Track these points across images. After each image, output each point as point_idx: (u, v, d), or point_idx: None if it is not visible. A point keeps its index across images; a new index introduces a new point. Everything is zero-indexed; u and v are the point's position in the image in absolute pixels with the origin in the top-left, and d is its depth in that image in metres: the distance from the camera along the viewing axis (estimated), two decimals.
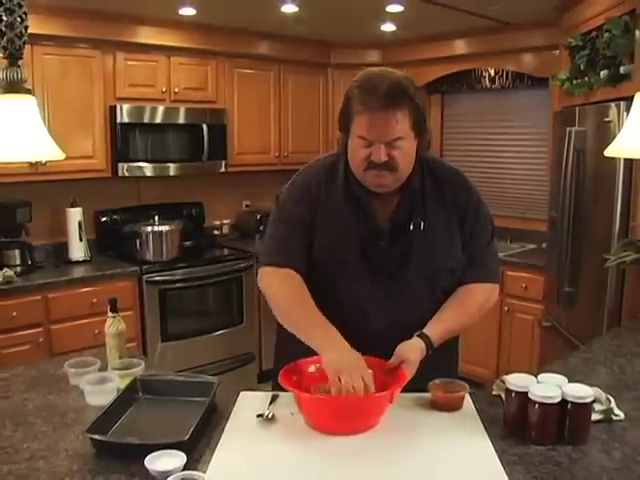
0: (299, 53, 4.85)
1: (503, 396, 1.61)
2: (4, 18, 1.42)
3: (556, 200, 3.54)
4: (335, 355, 1.55)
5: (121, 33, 3.93)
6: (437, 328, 1.68)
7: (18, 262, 3.72)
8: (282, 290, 1.75)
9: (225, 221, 5.09)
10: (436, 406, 1.63)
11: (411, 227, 1.73)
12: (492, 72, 4.77)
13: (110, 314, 1.94)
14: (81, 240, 4.00)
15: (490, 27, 4.27)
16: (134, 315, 3.85)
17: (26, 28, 1.47)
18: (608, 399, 1.61)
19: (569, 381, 1.54)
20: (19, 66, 1.49)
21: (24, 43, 1.47)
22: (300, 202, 1.78)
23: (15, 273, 3.54)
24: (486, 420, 1.57)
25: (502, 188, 4.84)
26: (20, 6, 1.43)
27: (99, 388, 1.72)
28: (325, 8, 3.88)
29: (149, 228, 4.09)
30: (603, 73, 3.10)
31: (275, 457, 1.41)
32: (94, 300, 3.63)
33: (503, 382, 1.63)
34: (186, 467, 1.32)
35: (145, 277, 3.92)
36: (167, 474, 1.28)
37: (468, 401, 1.66)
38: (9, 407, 1.71)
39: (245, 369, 4.42)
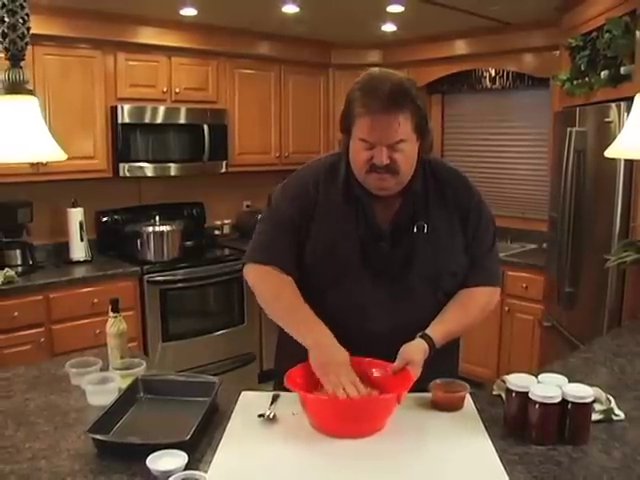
0: (300, 53, 4.85)
1: (503, 396, 1.61)
2: (6, 19, 1.42)
3: (556, 200, 3.54)
4: (320, 352, 1.57)
5: (122, 33, 3.94)
6: (439, 329, 1.68)
7: (19, 262, 3.73)
8: (267, 289, 1.76)
9: (226, 221, 5.09)
10: (437, 406, 1.63)
11: (414, 230, 1.73)
12: (492, 72, 4.77)
13: (111, 314, 1.95)
14: (82, 240, 4.01)
15: (490, 27, 4.28)
16: (135, 315, 3.85)
17: (28, 29, 1.47)
18: (608, 399, 1.61)
19: (569, 381, 1.54)
20: (21, 67, 1.49)
21: (26, 44, 1.48)
22: (294, 201, 1.78)
23: (16, 273, 3.54)
24: (487, 420, 1.57)
25: (502, 188, 4.85)
26: (22, 7, 1.43)
27: (100, 388, 1.72)
28: (326, 9, 3.88)
29: (150, 228, 4.10)
30: (603, 73, 3.11)
31: (276, 457, 1.41)
32: (95, 300, 3.64)
33: (504, 382, 1.63)
34: (187, 467, 1.32)
35: (146, 277, 3.92)
36: (169, 474, 1.28)
37: (469, 401, 1.67)
38: (11, 407, 1.72)
39: (246, 369, 4.42)
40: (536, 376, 1.56)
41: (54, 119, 3.57)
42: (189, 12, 3.87)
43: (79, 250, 4.01)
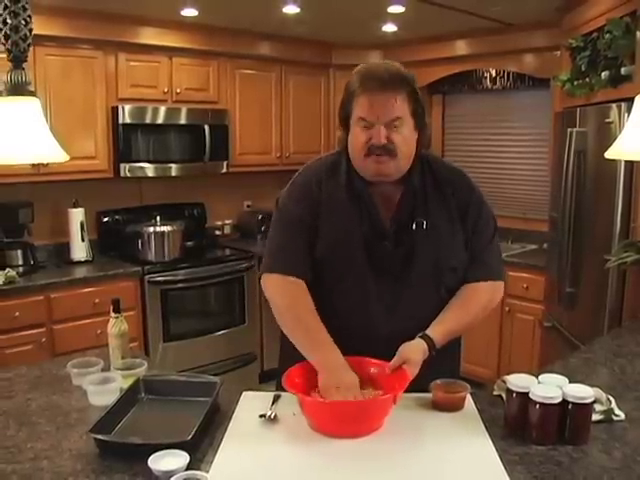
0: (300, 54, 4.86)
1: (504, 396, 1.61)
2: (9, 21, 1.43)
3: (557, 201, 3.55)
4: (331, 377, 1.56)
5: (123, 34, 3.94)
6: (439, 330, 1.68)
7: (20, 262, 3.73)
8: (283, 303, 1.75)
9: (227, 221, 5.10)
10: (437, 406, 1.64)
11: (414, 226, 1.73)
12: (493, 73, 4.77)
13: (113, 314, 1.95)
14: (83, 240, 4.01)
15: (491, 28, 4.28)
16: (136, 315, 3.86)
17: (30, 31, 1.48)
18: (609, 399, 1.62)
19: (570, 381, 1.54)
20: (23, 69, 1.50)
21: (28, 46, 1.48)
22: (300, 202, 1.78)
23: (17, 273, 3.55)
24: (487, 420, 1.58)
25: (503, 188, 4.85)
26: (25, 9, 1.44)
27: (102, 388, 1.72)
28: (326, 9, 3.89)
29: (151, 228, 4.10)
30: (604, 74, 3.11)
31: (277, 457, 1.42)
32: (96, 300, 3.64)
33: (504, 382, 1.64)
34: (189, 467, 1.33)
35: (147, 277, 3.93)
36: (170, 474, 1.29)
37: (469, 401, 1.67)
38: (13, 407, 1.72)
39: (247, 369, 4.43)
40: (536, 376, 1.57)
41: (55, 119, 3.57)
42: (190, 12, 3.87)
43: (80, 250, 4.01)
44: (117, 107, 3.97)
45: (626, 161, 2.84)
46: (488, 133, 4.94)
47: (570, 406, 1.45)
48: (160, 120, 4.15)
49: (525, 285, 4.03)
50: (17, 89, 1.49)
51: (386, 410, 1.53)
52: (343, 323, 1.66)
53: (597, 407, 1.56)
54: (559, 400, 1.45)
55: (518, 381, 1.53)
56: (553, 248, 3.74)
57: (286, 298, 1.75)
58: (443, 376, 1.68)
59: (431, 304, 1.74)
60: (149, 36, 4.07)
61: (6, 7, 1.43)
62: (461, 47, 4.66)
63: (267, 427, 1.55)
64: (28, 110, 1.52)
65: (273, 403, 1.65)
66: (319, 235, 1.75)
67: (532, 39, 4.23)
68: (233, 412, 1.63)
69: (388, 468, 1.37)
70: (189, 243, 4.35)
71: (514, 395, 1.51)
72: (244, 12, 3.88)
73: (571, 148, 3.31)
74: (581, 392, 1.46)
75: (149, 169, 4.14)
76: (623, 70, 2.94)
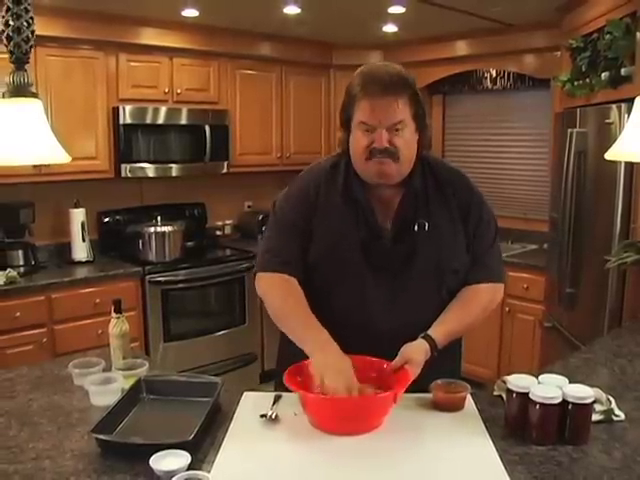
0: (301, 54, 4.86)
1: (504, 396, 1.62)
2: (11, 23, 1.43)
3: (557, 201, 3.55)
4: (321, 359, 1.57)
5: (124, 34, 3.95)
6: (441, 330, 1.69)
7: (21, 262, 3.73)
8: (276, 296, 1.77)
9: (227, 222, 5.10)
10: (438, 406, 1.64)
11: (415, 228, 1.74)
12: (493, 73, 4.78)
13: (114, 315, 1.96)
14: (84, 241, 4.02)
15: (491, 28, 4.28)
16: (137, 315, 3.86)
17: (33, 33, 1.48)
18: (609, 400, 1.62)
19: (570, 382, 1.55)
20: (25, 70, 1.50)
21: (30, 47, 1.49)
22: (296, 207, 1.80)
23: (18, 273, 3.55)
24: (487, 420, 1.58)
25: (503, 189, 4.85)
26: (27, 11, 1.44)
27: (103, 388, 1.73)
28: (327, 10, 3.89)
29: (152, 229, 4.11)
30: (604, 75, 3.11)
31: (279, 457, 1.42)
32: (97, 300, 3.65)
33: (504, 382, 1.64)
34: (190, 467, 1.33)
35: (148, 277, 3.93)
36: (172, 474, 1.29)
37: (469, 401, 1.67)
38: (14, 407, 1.72)
39: (247, 369, 4.44)
40: (537, 377, 1.57)
41: (56, 120, 3.57)
42: (190, 13, 3.88)
43: (81, 250, 4.02)
44: (118, 107, 3.97)
45: (626, 162, 2.84)
46: (488, 133, 4.95)
47: (570, 406, 1.46)
48: (161, 120, 4.15)
49: (525, 285, 4.03)
50: (19, 90, 1.50)
51: (386, 408, 1.53)
52: (342, 322, 1.66)
53: (597, 407, 1.56)
54: (559, 400, 1.45)
55: (518, 381, 1.53)
56: (553, 248, 3.74)
57: (278, 292, 1.77)
58: (443, 376, 1.68)
59: (432, 305, 1.75)
60: (150, 37, 4.07)
61: (8, 9, 1.43)
62: (461, 47, 4.67)
63: (268, 427, 1.55)
64: (30, 111, 1.53)
65: (274, 403, 1.65)
66: (313, 239, 1.76)
67: (532, 39, 4.23)
68: (234, 412, 1.64)
69: (389, 467, 1.38)
70: (190, 243, 4.36)
71: (514, 395, 1.52)
72: (245, 12, 3.89)
73: (571, 148, 3.31)
74: (581, 392, 1.47)
75: (150, 169, 4.15)
76: (623, 71, 2.94)
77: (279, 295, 1.77)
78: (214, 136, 4.36)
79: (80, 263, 3.99)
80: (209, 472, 1.33)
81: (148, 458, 1.33)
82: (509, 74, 4.69)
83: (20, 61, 1.48)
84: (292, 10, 3.82)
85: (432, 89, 5.11)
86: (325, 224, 1.76)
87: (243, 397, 1.72)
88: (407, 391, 1.55)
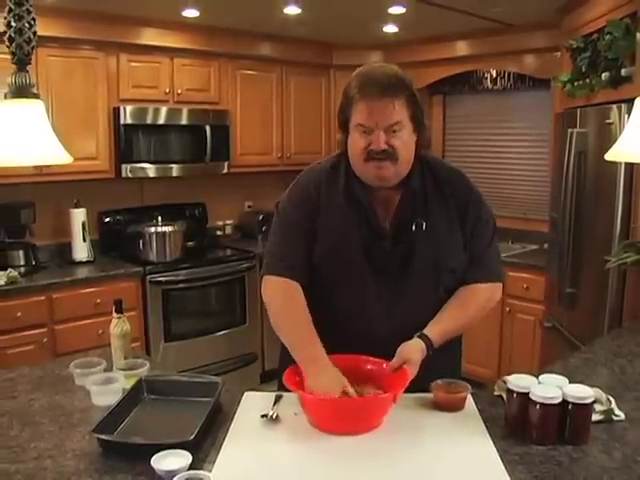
0: (301, 54, 4.86)
1: (504, 396, 1.62)
2: (13, 24, 1.44)
3: (557, 201, 3.55)
4: (314, 377, 1.57)
5: (124, 35, 3.95)
6: (437, 329, 1.69)
7: (22, 262, 3.74)
8: (278, 305, 1.77)
9: (228, 222, 5.11)
10: (438, 406, 1.65)
11: (413, 227, 1.74)
12: (494, 73, 4.78)
13: (115, 315, 1.96)
14: (84, 241, 4.02)
15: (492, 28, 4.29)
16: (137, 315, 3.87)
17: (34, 34, 1.48)
18: (608, 400, 1.62)
19: (570, 382, 1.55)
20: (27, 71, 1.51)
21: (32, 49, 1.49)
22: (299, 207, 1.80)
23: (19, 273, 3.56)
24: (487, 420, 1.59)
25: (503, 189, 4.86)
26: (29, 12, 1.44)
27: (105, 388, 1.73)
28: (327, 10, 3.89)
29: (152, 229, 4.11)
30: (604, 75, 3.11)
31: (279, 457, 1.43)
32: (98, 300, 3.65)
33: (504, 382, 1.64)
34: (191, 467, 1.34)
35: (148, 277, 3.93)
36: (173, 473, 1.29)
37: (470, 401, 1.68)
38: (16, 407, 1.73)
39: (248, 369, 4.44)
40: (537, 377, 1.58)
41: (57, 120, 3.57)
42: (191, 13, 3.88)
43: (82, 250, 4.02)
44: (118, 108, 3.98)
45: (626, 162, 2.85)
46: (489, 133, 4.95)
47: (570, 406, 1.46)
48: (161, 121, 4.15)
49: (525, 285, 4.04)
50: (21, 91, 1.50)
51: (386, 409, 1.54)
52: (343, 324, 1.66)
53: (597, 407, 1.57)
54: (559, 400, 1.45)
55: (518, 381, 1.54)
56: (553, 248, 3.75)
57: (279, 298, 1.77)
58: (444, 376, 1.69)
59: (430, 304, 1.75)
60: (150, 37, 4.08)
61: (10, 10, 1.44)
62: (462, 48, 4.67)
63: (269, 427, 1.56)
64: (32, 112, 1.53)
65: (275, 403, 1.66)
66: (317, 239, 1.77)
67: (532, 40, 4.23)
68: (235, 412, 1.64)
69: (389, 467, 1.38)
70: (190, 243, 4.37)
71: (514, 395, 1.52)
72: (245, 13, 3.89)
73: (571, 149, 3.31)
74: (581, 392, 1.47)
75: (150, 169, 4.15)
76: (623, 71, 2.95)
77: (279, 304, 1.77)
78: (214, 136, 4.37)
79: (81, 263, 4.00)
80: (210, 472, 1.34)
81: (149, 458, 1.33)
82: (509, 74, 4.69)
83: (22, 62, 1.49)
84: (292, 10, 3.83)
85: (432, 89, 5.11)
86: (328, 225, 1.77)
87: (244, 397, 1.73)
88: (407, 391, 1.55)
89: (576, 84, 3.50)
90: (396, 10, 3.84)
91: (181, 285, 4.09)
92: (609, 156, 1.99)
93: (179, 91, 4.25)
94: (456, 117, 5.20)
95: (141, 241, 4.09)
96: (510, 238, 4.63)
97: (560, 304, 3.59)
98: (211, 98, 4.44)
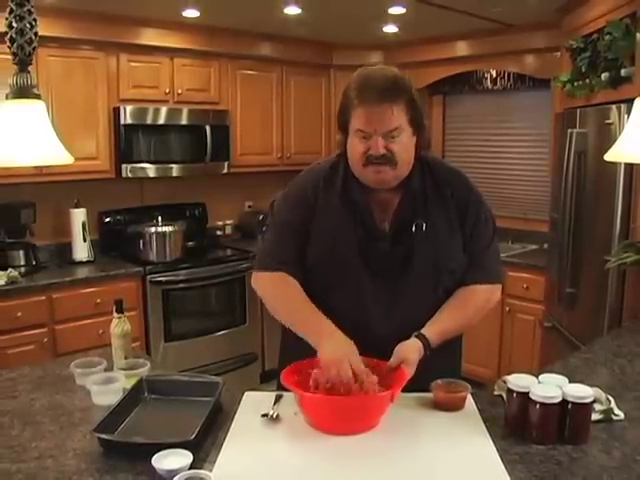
0: (301, 54, 4.87)
1: (504, 396, 1.62)
2: (14, 25, 1.44)
3: (557, 201, 3.56)
4: (328, 347, 1.58)
5: (124, 35, 3.96)
6: (434, 329, 1.69)
7: (22, 262, 3.74)
8: (274, 291, 1.79)
9: (228, 222, 5.11)
10: (438, 406, 1.65)
11: (413, 228, 1.74)
12: (494, 73, 4.79)
13: (116, 315, 1.96)
14: (85, 241, 4.02)
15: (492, 29, 4.29)
16: (137, 315, 3.87)
17: (36, 34, 1.49)
18: (608, 399, 1.63)
19: (570, 381, 1.55)
20: (29, 72, 1.51)
21: (34, 49, 1.49)
22: (294, 209, 1.81)
23: (19, 273, 3.56)
24: (487, 420, 1.59)
25: (503, 189, 4.86)
26: (30, 13, 1.45)
27: (105, 388, 1.74)
28: (327, 10, 3.90)
29: (152, 229, 4.11)
30: (604, 75, 3.12)
31: (280, 456, 1.43)
32: (98, 300, 3.65)
33: (504, 382, 1.65)
34: (192, 466, 1.34)
35: (148, 277, 3.94)
36: (174, 473, 1.30)
37: (470, 401, 1.68)
38: (17, 407, 1.73)
39: (248, 369, 4.44)
40: (537, 376, 1.58)
41: (57, 120, 3.56)
42: (191, 13, 3.89)
43: (82, 250, 4.03)
44: (119, 108, 3.98)
45: (626, 163, 2.85)
46: (489, 133, 4.96)
47: (570, 406, 1.47)
48: (161, 121, 4.16)
49: (525, 285, 4.04)
50: (22, 92, 1.50)
51: (383, 408, 1.54)
52: (340, 324, 1.67)
53: (597, 407, 1.57)
54: (559, 400, 1.46)
55: (518, 381, 1.54)
56: (553, 248, 3.75)
57: (276, 289, 1.79)
58: (444, 376, 1.69)
59: (428, 304, 1.75)
60: (150, 37, 4.08)
61: (12, 11, 1.44)
62: (461, 48, 4.67)
63: (269, 426, 1.56)
64: (33, 112, 1.53)
65: (275, 403, 1.66)
66: (311, 241, 1.77)
67: (532, 40, 4.24)
68: (235, 412, 1.64)
69: (390, 466, 1.38)
70: (190, 243, 4.37)
71: (514, 395, 1.52)
72: (245, 13, 3.89)
73: (571, 149, 3.32)
74: (581, 392, 1.48)
75: (150, 169, 4.15)
76: (623, 71, 2.95)
77: (277, 290, 1.78)
78: (215, 136, 4.37)
79: (81, 263, 4.00)
80: (211, 471, 1.34)
81: (150, 457, 1.34)
82: (509, 74, 4.69)
83: (23, 63, 1.49)
84: (293, 10, 3.83)
85: (432, 89, 5.11)
86: (323, 226, 1.77)
87: (244, 397, 1.73)
88: (407, 390, 1.56)
89: (576, 84, 3.50)
90: (396, 10, 3.84)
91: (181, 285, 4.10)
92: (609, 156, 1.99)
93: (179, 91, 4.26)
94: (456, 117, 5.21)
95: (141, 241, 4.09)
96: (510, 238, 4.63)
97: (560, 304, 3.60)
98: (211, 98, 4.44)
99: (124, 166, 4.04)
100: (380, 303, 1.75)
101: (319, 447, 1.47)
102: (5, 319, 3.36)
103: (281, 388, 1.66)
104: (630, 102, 2.09)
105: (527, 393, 1.49)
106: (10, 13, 1.45)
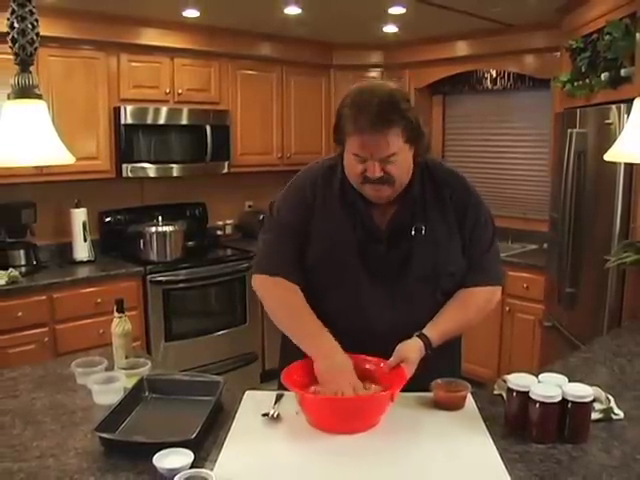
0: (301, 54, 4.87)
1: (504, 395, 1.63)
2: (16, 25, 1.45)
3: (557, 201, 3.56)
4: (324, 362, 1.59)
5: (125, 35, 3.96)
6: (436, 329, 1.70)
7: (23, 262, 3.75)
8: (274, 298, 1.79)
9: (228, 221, 5.11)
10: (438, 405, 1.66)
11: (412, 232, 1.74)
12: (494, 73, 4.79)
13: (116, 314, 1.97)
14: (85, 240, 4.03)
15: (492, 29, 4.29)
16: (138, 315, 3.87)
17: (37, 35, 1.49)
18: (608, 398, 1.63)
19: (569, 381, 1.56)
20: (30, 72, 1.51)
21: (35, 49, 1.50)
22: (294, 209, 1.81)
23: (20, 273, 3.56)
24: (487, 419, 1.59)
25: (503, 188, 4.87)
26: (32, 13, 1.45)
27: (106, 387, 1.74)
28: (328, 10, 3.90)
29: (153, 228, 4.12)
30: (604, 75, 3.12)
31: (280, 455, 1.44)
32: (98, 300, 3.66)
33: (504, 381, 1.65)
34: (193, 465, 1.34)
35: (149, 277, 3.94)
36: (175, 472, 1.30)
37: (470, 400, 1.69)
38: (18, 406, 1.74)
39: (248, 369, 4.44)
40: (536, 376, 1.58)
41: (57, 120, 3.52)
42: (191, 13, 3.89)
43: (82, 250, 4.03)
44: (119, 108, 3.98)
45: (626, 162, 2.85)
46: (489, 133, 4.96)
47: (570, 405, 1.47)
48: (162, 121, 4.16)
49: (525, 285, 4.04)
50: (24, 92, 1.51)
51: (383, 407, 1.55)
52: (338, 326, 1.67)
53: (596, 406, 1.57)
54: (559, 399, 1.46)
55: (518, 380, 1.54)
56: (553, 248, 3.75)
57: (276, 294, 1.78)
58: (444, 376, 1.70)
59: (427, 306, 1.76)
60: (151, 37, 4.08)
61: (13, 11, 1.45)
62: (461, 48, 4.67)
63: (270, 426, 1.56)
64: (35, 113, 1.54)
65: (276, 402, 1.66)
66: (311, 241, 1.77)
67: (532, 40, 4.24)
68: (236, 411, 1.65)
69: (390, 465, 1.39)
70: (190, 243, 4.37)
71: (514, 394, 1.53)
72: (245, 13, 3.90)
73: (571, 149, 3.32)
74: (580, 391, 1.48)
75: (151, 169, 4.16)
76: (623, 71, 2.95)
77: (277, 297, 1.78)
78: (215, 136, 4.37)
79: (81, 263, 4.00)
80: (212, 470, 1.34)
81: (151, 456, 1.34)
82: (509, 74, 4.70)
83: (25, 63, 1.49)
84: (293, 11, 3.83)
85: (432, 89, 5.12)
86: (322, 226, 1.77)
87: (245, 396, 1.73)
88: (407, 390, 1.56)
89: (576, 84, 3.50)
90: (396, 10, 3.85)
91: (181, 285, 4.10)
92: (608, 156, 2.00)
93: (179, 91, 4.26)
94: (456, 117, 5.21)
95: (141, 241, 4.10)
96: (510, 238, 4.64)
97: (560, 304, 3.60)
98: (211, 98, 4.45)
99: (124, 166, 4.04)
100: (378, 304, 1.75)
101: (320, 446, 1.47)
102: (6, 319, 3.37)
103: (281, 387, 1.67)
104: (630, 102, 2.09)
105: (527, 392, 1.49)
106: (12, 14, 1.45)
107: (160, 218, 4.22)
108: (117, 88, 4.01)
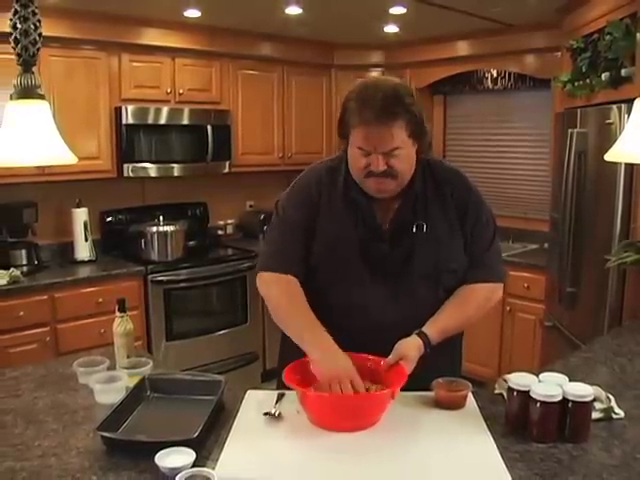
0: (302, 54, 4.87)
1: (505, 395, 1.63)
2: (18, 26, 1.45)
3: (558, 201, 3.56)
4: (324, 361, 1.59)
5: (126, 35, 3.96)
6: (435, 327, 1.70)
7: (24, 262, 3.75)
8: (277, 296, 1.79)
9: (229, 221, 5.12)
10: (439, 404, 1.66)
11: (414, 229, 1.75)
12: (494, 73, 4.79)
13: (118, 314, 1.97)
14: (86, 240, 4.03)
15: (492, 29, 4.29)
16: (139, 314, 3.88)
17: (40, 35, 1.50)
18: (608, 398, 1.63)
19: (570, 380, 1.56)
20: (33, 72, 1.52)
21: (38, 50, 1.50)
22: (299, 207, 1.81)
23: (22, 273, 3.57)
24: (488, 418, 1.60)
25: (504, 188, 4.87)
26: (34, 14, 1.46)
27: (108, 387, 1.74)
28: (328, 10, 3.90)
29: (154, 228, 4.12)
30: (604, 75, 3.12)
31: (282, 454, 1.44)
32: (100, 300, 3.66)
33: (505, 381, 1.66)
34: (195, 464, 1.35)
35: (150, 277, 3.95)
36: (177, 471, 1.30)
37: (471, 400, 1.69)
38: (20, 405, 1.74)
39: (249, 368, 4.45)
40: (537, 375, 1.59)
41: (59, 120, 3.50)
42: (193, 13, 3.89)
43: (83, 250, 4.04)
44: (120, 107, 3.99)
45: (626, 162, 2.85)
46: (489, 133, 4.96)
47: (570, 404, 1.47)
48: (163, 120, 4.17)
49: (526, 285, 4.05)
50: (27, 92, 1.51)
51: (384, 405, 1.55)
52: (341, 323, 1.67)
53: (597, 405, 1.58)
54: (559, 398, 1.47)
55: (519, 380, 1.55)
56: (554, 248, 3.76)
57: (279, 292, 1.78)
58: (445, 375, 1.70)
59: (429, 304, 1.76)
60: (152, 37, 4.09)
61: (16, 12, 1.45)
62: (462, 48, 4.67)
63: (272, 425, 1.57)
64: (38, 113, 1.55)
65: (277, 401, 1.67)
66: (316, 238, 1.78)
67: (533, 40, 4.24)
68: (238, 410, 1.65)
69: (391, 464, 1.39)
70: (192, 243, 4.38)
71: (515, 393, 1.53)
72: (246, 13, 3.90)
73: (572, 149, 3.32)
74: (581, 390, 1.48)
75: (152, 169, 4.16)
76: (623, 71, 2.96)
77: (280, 295, 1.78)
78: (216, 136, 4.38)
79: (83, 262, 4.01)
80: (213, 469, 1.35)
81: (153, 455, 1.34)
82: (510, 74, 4.70)
83: (27, 63, 1.50)
84: (294, 11, 3.84)
85: (433, 89, 5.12)
86: (326, 224, 1.78)
87: (246, 395, 1.74)
88: (408, 389, 1.57)
89: (576, 84, 3.50)
90: (396, 10, 3.85)
91: (182, 284, 4.11)
92: (609, 156, 2.00)
93: (180, 91, 4.26)
94: (457, 117, 5.21)
95: (143, 240, 4.10)
96: (511, 237, 4.64)
97: (560, 303, 3.60)
98: (212, 98, 4.45)
99: (126, 166, 4.05)
100: (381, 302, 1.75)
101: (321, 445, 1.48)
102: (7, 318, 3.37)
103: (281, 387, 1.67)
104: (630, 102, 2.09)
105: (528, 392, 1.50)
106: (14, 14, 1.46)
107: (161, 218, 4.23)
108: (118, 88, 4.01)
